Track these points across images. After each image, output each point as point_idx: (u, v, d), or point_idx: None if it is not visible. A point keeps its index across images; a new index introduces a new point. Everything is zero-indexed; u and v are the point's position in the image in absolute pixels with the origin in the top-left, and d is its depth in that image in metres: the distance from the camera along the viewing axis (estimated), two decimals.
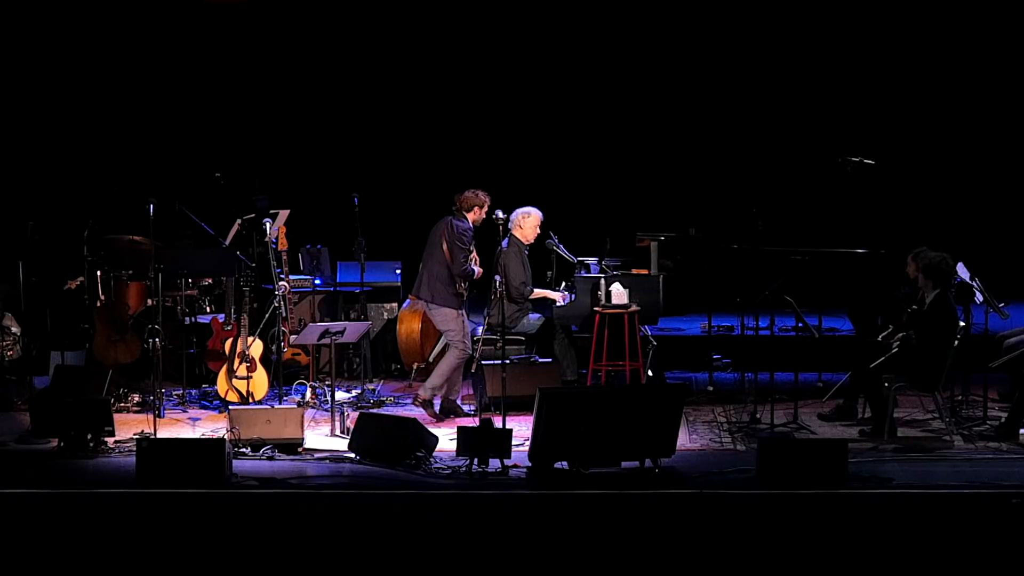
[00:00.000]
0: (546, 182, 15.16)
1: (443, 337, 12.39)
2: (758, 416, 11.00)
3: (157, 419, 10.66)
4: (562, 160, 16.14)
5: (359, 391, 11.95)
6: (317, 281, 13.15)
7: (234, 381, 11.55)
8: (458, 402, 11.56)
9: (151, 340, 11.43)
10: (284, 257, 12.19)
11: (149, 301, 12.02)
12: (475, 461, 9.56)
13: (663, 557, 8.04)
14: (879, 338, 11.09)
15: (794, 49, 15.99)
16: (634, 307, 11.65)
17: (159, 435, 10.33)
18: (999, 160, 16.03)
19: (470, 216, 11.50)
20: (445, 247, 11.40)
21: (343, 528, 8.60)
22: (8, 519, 8.71)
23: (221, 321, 12.02)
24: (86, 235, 12.32)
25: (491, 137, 16.11)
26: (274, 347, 11.90)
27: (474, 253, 11.60)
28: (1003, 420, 10.65)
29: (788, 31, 15.98)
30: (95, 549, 8.13)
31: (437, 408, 11.45)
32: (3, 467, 9.86)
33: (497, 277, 11.31)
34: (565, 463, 9.59)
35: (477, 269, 11.55)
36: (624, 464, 9.68)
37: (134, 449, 9.56)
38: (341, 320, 12.49)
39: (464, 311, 11.53)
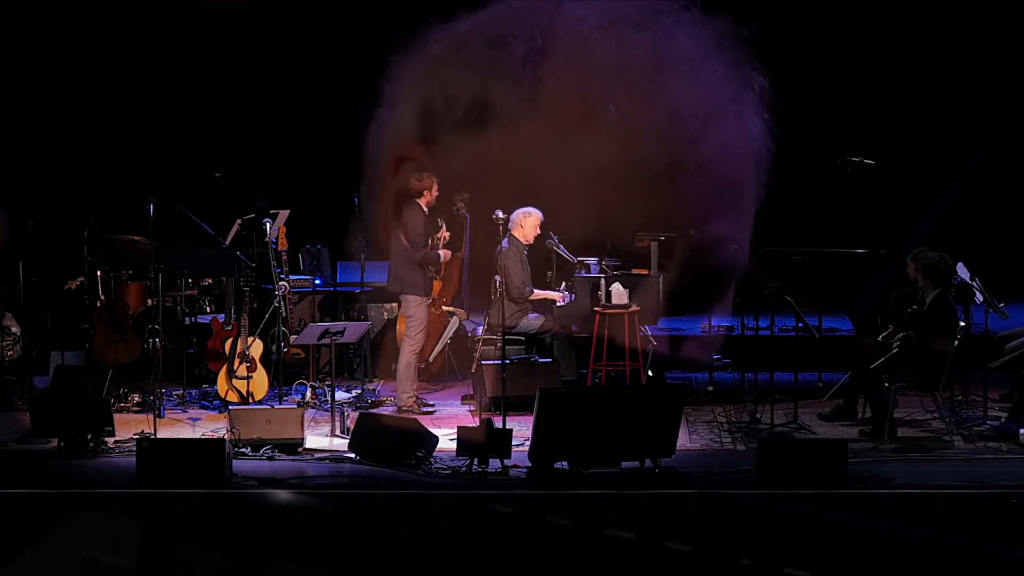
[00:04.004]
0: (546, 182, 15.12)
1: (443, 337, 12.41)
2: (758, 416, 11.00)
3: (157, 419, 10.65)
4: (562, 160, 16.08)
5: (359, 391, 11.96)
6: (317, 281, 13.15)
7: (234, 381, 11.55)
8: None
9: (151, 340, 11.43)
10: (284, 257, 12.20)
11: (149, 301, 12.02)
12: (475, 461, 9.56)
13: (663, 557, 8.04)
14: (879, 338, 11.09)
15: (793, 49, 15.97)
16: (634, 307, 11.65)
17: (159, 435, 10.32)
18: (999, 160, 16.01)
19: (422, 201, 11.55)
20: (404, 240, 11.47)
21: (343, 528, 8.60)
22: (8, 519, 8.70)
23: (221, 321, 12.02)
24: (86, 235, 12.33)
25: (491, 137, 16.06)
26: (274, 347, 11.90)
27: (443, 230, 11.77)
28: (1003, 420, 10.65)
29: (787, 31, 15.95)
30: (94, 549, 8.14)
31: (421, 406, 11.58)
32: (3, 467, 9.86)
33: (497, 277, 11.32)
34: (565, 463, 9.59)
35: (443, 253, 11.61)
36: (624, 464, 9.67)
37: (134, 449, 9.57)
38: (341, 320, 12.49)
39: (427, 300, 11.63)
